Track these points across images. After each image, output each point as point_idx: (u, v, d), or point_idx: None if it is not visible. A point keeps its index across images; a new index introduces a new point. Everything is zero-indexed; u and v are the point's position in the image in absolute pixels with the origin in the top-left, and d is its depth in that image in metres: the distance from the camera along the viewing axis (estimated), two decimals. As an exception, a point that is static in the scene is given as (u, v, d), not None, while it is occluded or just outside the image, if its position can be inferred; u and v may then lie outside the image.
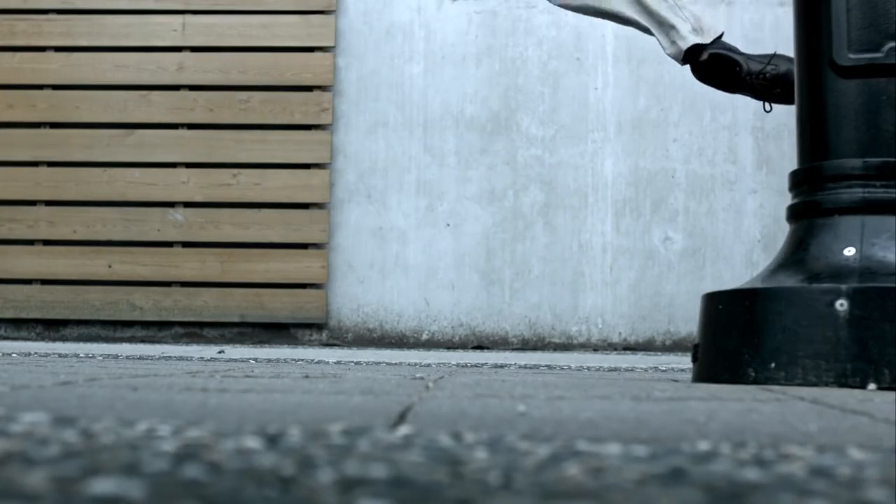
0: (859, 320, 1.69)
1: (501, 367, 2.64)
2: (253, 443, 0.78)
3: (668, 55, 2.96)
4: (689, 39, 2.83)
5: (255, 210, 5.10)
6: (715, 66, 2.96)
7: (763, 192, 5.07)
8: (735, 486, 0.63)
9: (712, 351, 1.88)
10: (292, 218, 5.10)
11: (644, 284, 5.05)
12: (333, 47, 5.16)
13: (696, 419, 1.09)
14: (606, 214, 5.11)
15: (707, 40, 2.84)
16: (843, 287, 1.71)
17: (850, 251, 1.80)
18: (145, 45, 5.17)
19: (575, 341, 5.04)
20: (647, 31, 2.94)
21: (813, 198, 1.89)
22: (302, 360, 2.83)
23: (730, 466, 0.71)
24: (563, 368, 2.56)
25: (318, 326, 5.11)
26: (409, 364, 2.73)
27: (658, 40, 2.93)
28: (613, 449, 0.79)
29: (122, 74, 5.16)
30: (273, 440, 0.80)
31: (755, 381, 1.75)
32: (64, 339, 5.10)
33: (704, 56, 2.95)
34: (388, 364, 2.68)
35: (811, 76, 1.94)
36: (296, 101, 5.13)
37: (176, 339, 5.10)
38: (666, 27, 2.89)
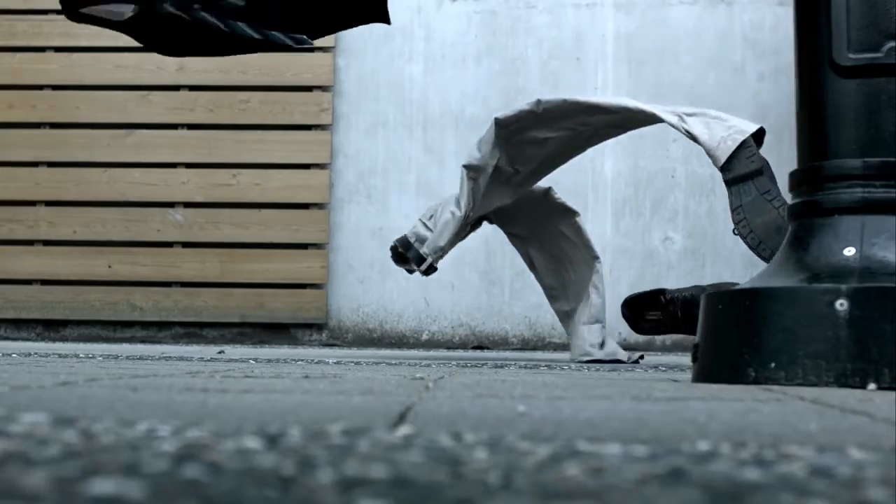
0: (859, 320, 1.69)
1: (501, 367, 2.64)
2: (253, 443, 0.78)
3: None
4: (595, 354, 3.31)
5: (255, 210, 5.10)
6: None
7: (763, 192, 5.06)
8: (735, 486, 0.63)
9: (712, 351, 1.88)
10: (292, 218, 5.10)
11: (644, 284, 5.04)
12: (333, 47, 5.16)
13: (696, 419, 1.09)
14: (606, 214, 5.11)
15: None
16: (843, 287, 1.71)
17: (850, 251, 1.80)
18: (145, 45, 5.16)
19: (575, 341, 5.03)
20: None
21: (813, 198, 1.89)
22: (302, 360, 2.83)
23: (730, 466, 0.71)
24: (563, 368, 2.56)
25: (318, 326, 5.11)
26: (409, 364, 2.73)
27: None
28: (613, 449, 0.79)
29: (122, 74, 5.16)
30: (273, 440, 0.80)
31: (755, 381, 1.75)
32: (64, 339, 5.10)
33: None
34: (388, 364, 2.68)
35: (811, 76, 1.94)
36: (296, 102, 5.13)
37: (176, 340, 5.10)
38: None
